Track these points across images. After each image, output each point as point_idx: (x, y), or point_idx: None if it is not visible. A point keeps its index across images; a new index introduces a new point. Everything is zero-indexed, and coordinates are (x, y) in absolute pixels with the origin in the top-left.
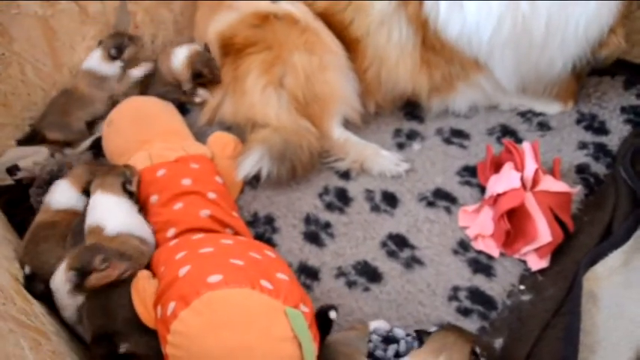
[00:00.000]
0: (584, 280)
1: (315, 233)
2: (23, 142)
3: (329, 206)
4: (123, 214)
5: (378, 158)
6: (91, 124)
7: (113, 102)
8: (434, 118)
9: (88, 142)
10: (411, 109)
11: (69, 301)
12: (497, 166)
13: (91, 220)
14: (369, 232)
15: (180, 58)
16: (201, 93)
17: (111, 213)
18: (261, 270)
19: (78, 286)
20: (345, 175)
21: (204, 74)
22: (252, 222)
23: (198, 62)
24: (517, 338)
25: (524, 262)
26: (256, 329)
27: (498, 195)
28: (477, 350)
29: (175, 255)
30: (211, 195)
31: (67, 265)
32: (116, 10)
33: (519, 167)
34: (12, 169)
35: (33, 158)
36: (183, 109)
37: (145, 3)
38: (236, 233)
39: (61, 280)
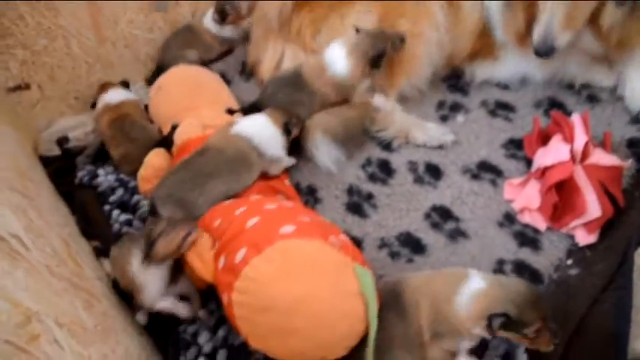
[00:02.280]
0: (636, 256)
1: (357, 204)
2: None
3: (372, 177)
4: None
5: (423, 128)
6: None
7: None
8: (478, 89)
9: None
10: (455, 80)
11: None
12: (544, 139)
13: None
14: (412, 203)
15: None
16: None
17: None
18: (328, 229)
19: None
20: (388, 146)
21: (228, 12)
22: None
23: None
24: (564, 313)
25: (572, 236)
26: (325, 281)
27: (546, 168)
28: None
29: (235, 210)
30: None
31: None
32: None
33: (568, 139)
34: (62, 140)
35: (84, 129)
36: (226, 80)
37: None
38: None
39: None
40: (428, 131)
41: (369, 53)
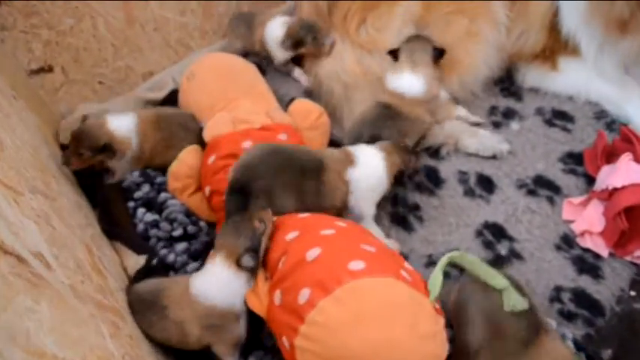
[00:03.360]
0: None
1: (402, 216)
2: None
3: (418, 187)
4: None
5: (475, 135)
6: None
7: None
8: (533, 95)
9: (164, 92)
10: (507, 83)
11: None
12: (608, 156)
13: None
14: (462, 218)
15: (277, 24)
16: (297, 73)
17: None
18: (395, 259)
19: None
20: (436, 153)
21: (306, 42)
22: None
23: (301, 28)
24: (630, 350)
25: (636, 265)
26: (402, 324)
27: (615, 189)
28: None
29: (285, 234)
30: None
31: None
32: None
33: (639, 159)
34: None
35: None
36: (260, 70)
37: None
38: None
39: None
40: (481, 139)
41: (428, 49)
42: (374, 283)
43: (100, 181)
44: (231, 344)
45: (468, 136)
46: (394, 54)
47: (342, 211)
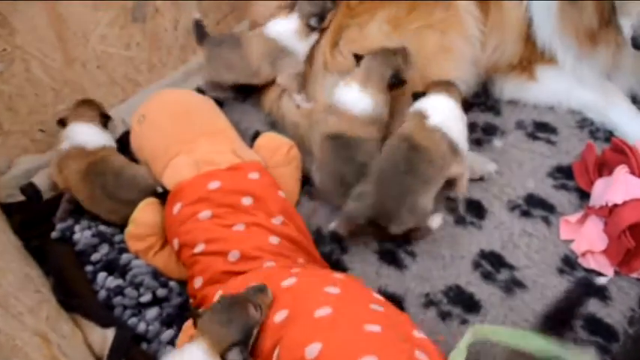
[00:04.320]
0: None
1: (392, 252)
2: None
3: None
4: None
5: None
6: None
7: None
8: (511, 107)
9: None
10: (484, 97)
11: None
12: (600, 168)
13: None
14: (456, 249)
15: (282, 22)
16: (299, 99)
17: (437, 110)
18: (402, 334)
19: None
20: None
21: (328, 7)
22: (316, 239)
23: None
24: None
25: None
26: None
27: (615, 205)
28: None
29: (274, 315)
30: (277, 220)
31: None
32: None
33: (636, 171)
34: (26, 189)
35: (47, 171)
36: (218, 103)
37: None
38: (309, 259)
39: None
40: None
41: (386, 75)
42: None
43: (50, 243)
44: None
45: None
46: (358, 60)
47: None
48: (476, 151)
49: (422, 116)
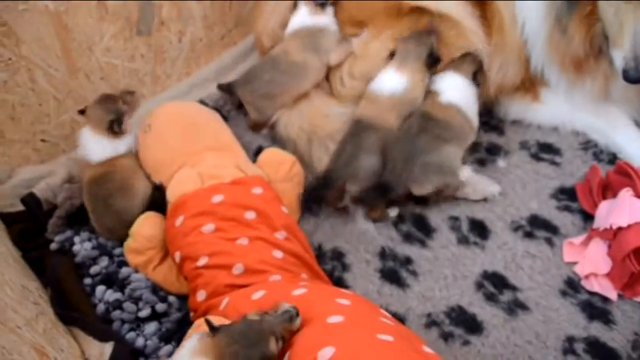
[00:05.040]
0: None
1: (394, 271)
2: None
3: (407, 237)
4: (460, 92)
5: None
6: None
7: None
8: (514, 127)
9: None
10: (487, 118)
11: None
12: (604, 190)
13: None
14: (458, 269)
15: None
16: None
17: (450, 86)
18: (413, 346)
19: None
20: (421, 198)
21: None
22: (318, 257)
23: None
24: None
25: None
26: None
27: (620, 228)
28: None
29: None
30: (280, 235)
31: None
32: (139, 4)
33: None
34: (27, 199)
35: (47, 180)
36: (222, 116)
37: None
38: (312, 275)
39: None
40: (471, 180)
41: (422, 55)
42: None
43: (49, 254)
44: None
45: None
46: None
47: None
48: (479, 171)
49: (435, 94)
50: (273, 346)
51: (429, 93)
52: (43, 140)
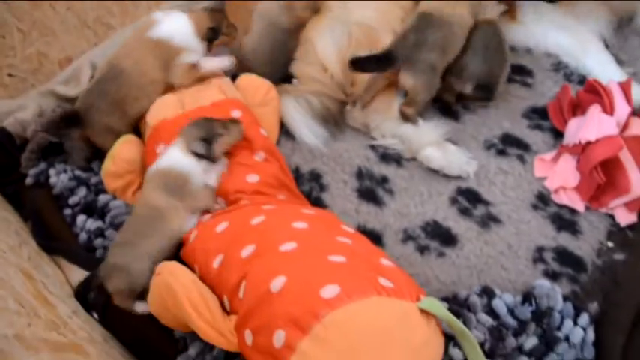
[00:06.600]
0: None
1: (371, 190)
2: None
3: (384, 158)
4: None
5: (442, 149)
6: None
7: None
8: None
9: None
10: None
11: None
12: (574, 108)
13: None
14: (434, 186)
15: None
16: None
17: None
18: (368, 263)
19: None
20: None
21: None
22: (296, 179)
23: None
24: (616, 303)
25: (611, 216)
26: (396, 345)
27: (588, 143)
28: None
29: (240, 250)
30: (259, 157)
31: None
32: None
33: (608, 110)
34: None
35: (17, 115)
36: None
37: None
38: (290, 196)
39: None
40: (447, 154)
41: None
42: (355, 310)
43: (25, 189)
44: None
45: (433, 148)
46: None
47: None
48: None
49: None
50: (217, 124)
51: None
52: (10, 75)
